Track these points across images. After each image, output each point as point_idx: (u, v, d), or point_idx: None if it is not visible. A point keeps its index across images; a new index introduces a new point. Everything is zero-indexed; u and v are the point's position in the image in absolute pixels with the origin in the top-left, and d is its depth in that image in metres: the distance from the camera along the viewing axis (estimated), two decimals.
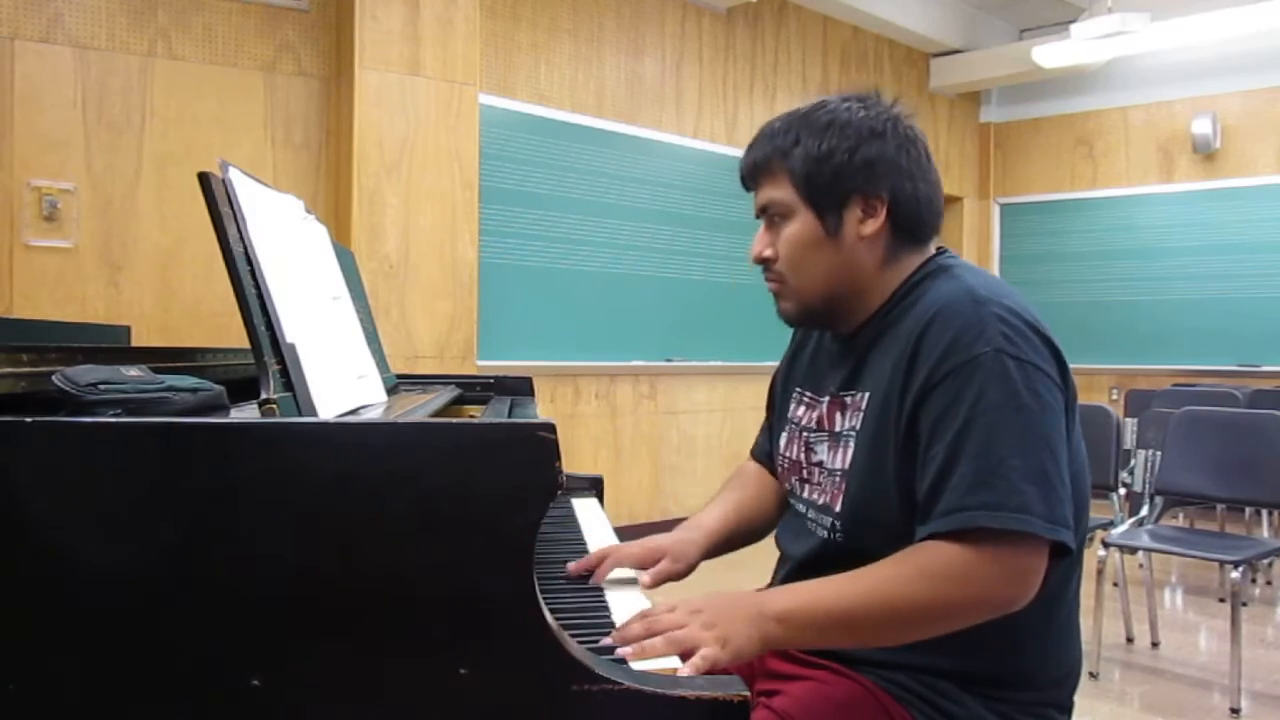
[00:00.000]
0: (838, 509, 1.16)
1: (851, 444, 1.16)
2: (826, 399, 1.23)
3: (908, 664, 1.12)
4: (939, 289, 1.12)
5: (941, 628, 1.03)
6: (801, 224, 1.16)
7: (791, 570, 1.25)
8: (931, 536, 1.02)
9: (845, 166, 1.13)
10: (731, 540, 1.36)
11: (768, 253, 1.20)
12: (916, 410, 1.07)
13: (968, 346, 1.04)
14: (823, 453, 1.22)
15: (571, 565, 1.26)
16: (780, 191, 1.17)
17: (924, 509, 1.04)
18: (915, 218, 1.16)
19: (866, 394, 1.16)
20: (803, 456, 1.26)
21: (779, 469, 1.34)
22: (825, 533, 1.19)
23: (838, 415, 1.20)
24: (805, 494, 1.25)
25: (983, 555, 0.99)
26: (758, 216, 1.22)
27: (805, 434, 1.26)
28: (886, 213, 1.14)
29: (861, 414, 1.16)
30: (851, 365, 1.20)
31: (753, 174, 1.21)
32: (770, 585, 1.31)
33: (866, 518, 1.13)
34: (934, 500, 1.03)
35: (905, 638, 1.06)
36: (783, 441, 1.32)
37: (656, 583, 1.24)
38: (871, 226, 1.14)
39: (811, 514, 1.23)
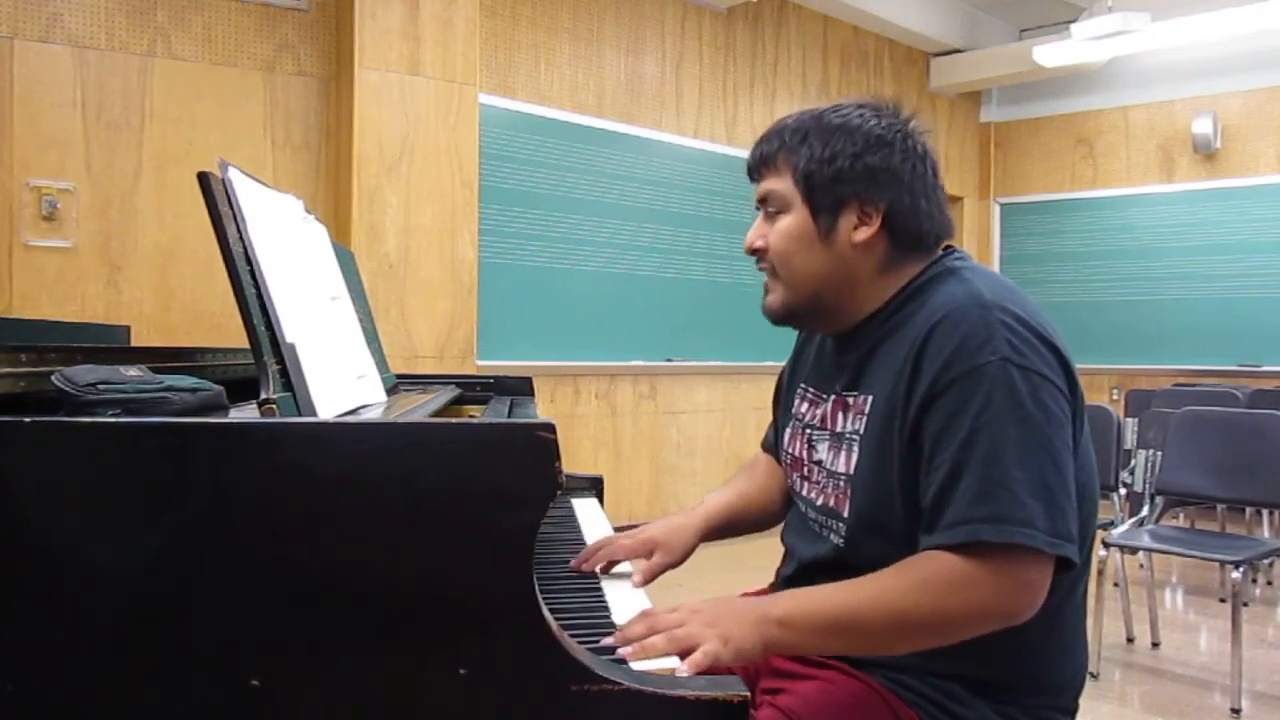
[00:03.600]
0: (845, 514, 1.16)
1: (855, 448, 1.15)
2: (830, 398, 1.22)
3: (915, 666, 1.11)
4: (945, 292, 1.11)
5: (945, 638, 1.03)
6: (795, 218, 1.15)
7: (797, 571, 1.24)
8: (935, 548, 1.01)
9: (846, 171, 1.12)
10: (734, 526, 1.40)
11: (760, 243, 1.19)
12: (921, 418, 1.05)
13: (973, 354, 1.02)
14: (823, 452, 1.22)
15: (573, 562, 1.32)
16: (781, 184, 1.16)
17: (928, 520, 1.03)
18: (913, 231, 1.14)
19: (870, 397, 1.14)
20: (804, 453, 1.26)
21: (783, 463, 1.34)
22: (833, 537, 1.18)
23: (840, 416, 1.19)
24: (805, 492, 1.25)
25: (985, 567, 0.98)
26: (757, 206, 1.21)
27: (808, 430, 1.26)
28: (882, 223, 1.13)
29: (865, 417, 1.15)
30: (854, 365, 1.19)
31: (758, 165, 1.20)
32: (774, 583, 1.32)
33: (873, 524, 1.12)
34: (938, 511, 1.02)
35: (908, 647, 1.05)
36: (786, 436, 1.32)
37: (647, 579, 1.26)
38: (864, 234, 1.13)
39: (813, 514, 1.23)
